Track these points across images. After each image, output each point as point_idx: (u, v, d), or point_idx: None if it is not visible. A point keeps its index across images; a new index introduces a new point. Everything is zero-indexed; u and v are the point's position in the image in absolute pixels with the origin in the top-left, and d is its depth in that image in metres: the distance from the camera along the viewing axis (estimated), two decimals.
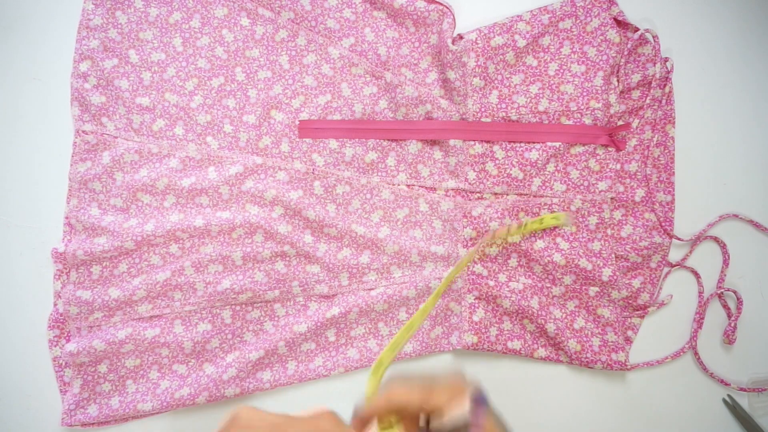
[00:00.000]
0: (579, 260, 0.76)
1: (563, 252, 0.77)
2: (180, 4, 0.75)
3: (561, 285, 0.77)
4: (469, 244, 0.77)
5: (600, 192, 0.77)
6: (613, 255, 0.77)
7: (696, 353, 0.78)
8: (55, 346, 0.72)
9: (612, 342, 0.76)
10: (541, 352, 0.77)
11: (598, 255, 0.76)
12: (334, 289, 0.75)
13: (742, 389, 0.77)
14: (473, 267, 0.77)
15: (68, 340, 0.71)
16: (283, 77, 0.77)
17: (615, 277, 0.76)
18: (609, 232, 0.77)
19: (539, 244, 0.77)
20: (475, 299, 0.76)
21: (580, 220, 0.77)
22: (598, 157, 0.78)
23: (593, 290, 0.77)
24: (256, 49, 0.76)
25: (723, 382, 0.77)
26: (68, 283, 0.71)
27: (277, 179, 0.75)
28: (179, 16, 0.75)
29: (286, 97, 0.76)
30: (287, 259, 0.75)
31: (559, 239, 0.77)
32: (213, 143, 0.75)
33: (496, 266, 0.77)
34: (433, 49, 0.77)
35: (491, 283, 0.76)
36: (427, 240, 0.77)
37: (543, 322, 0.76)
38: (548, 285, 0.77)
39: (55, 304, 0.72)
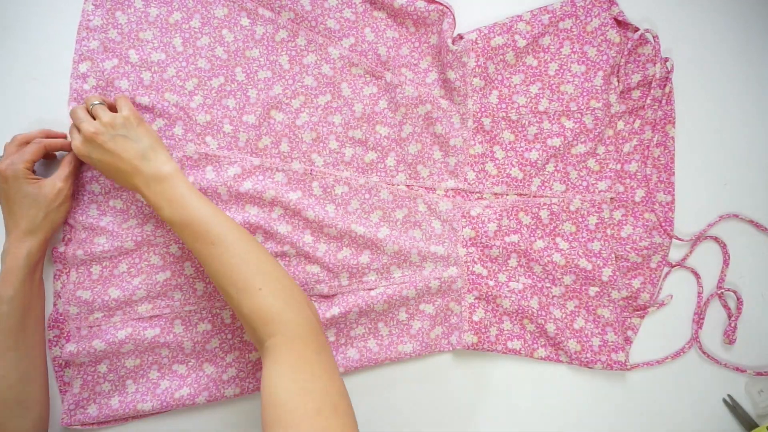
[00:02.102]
0: (579, 260, 0.76)
1: (563, 252, 0.77)
2: (180, 4, 0.75)
3: (561, 285, 0.77)
4: (468, 244, 0.77)
5: (600, 192, 0.77)
6: (613, 255, 0.77)
7: (701, 349, 0.78)
8: (55, 346, 0.71)
9: (612, 342, 0.76)
10: (541, 352, 0.77)
11: (598, 255, 0.76)
12: (334, 289, 0.75)
13: (759, 374, 0.77)
14: (473, 267, 0.77)
15: (68, 340, 0.71)
16: (283, 77, 0.76)
17: (615, 277, 0.76)
18: (609, 232, 0.77)
19: (539, 244, 0.77)
20: (475, 299, 0.76)
21: (580, 220, 0.77)
22: (598, 157, 0.78)
23: (593, 290, 0.77)
24: (256, 49, 0.76)
25: (739, 370, 0.77)
26: (68, 283, 0.71)
27: (275, 180, 0.75)
28: (179, 16, 0.75)
29: (286, 97, 0.76)
30: (287, 259, 0.75)
31: (558, 239, 0.77)
32: (212, 143, 0.75)
33: (496, 266, 0.77)
34: (433, 49, 0.77)
35: (491, 283, 0.76)
36: (426, 240, 0.77)
37: (543, 322, 0.76)
38: (548, 285, 0.77)
39: (55, 304, 0.72)
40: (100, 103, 0.68)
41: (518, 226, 0.77)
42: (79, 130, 0.66)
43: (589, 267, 0.76)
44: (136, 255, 0.72)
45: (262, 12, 0.75)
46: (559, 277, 0.77)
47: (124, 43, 0.74)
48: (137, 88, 0.74)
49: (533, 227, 0.77)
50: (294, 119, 0.76)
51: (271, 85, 0.76)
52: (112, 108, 0.70)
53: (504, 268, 0.78)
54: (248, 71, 0.76)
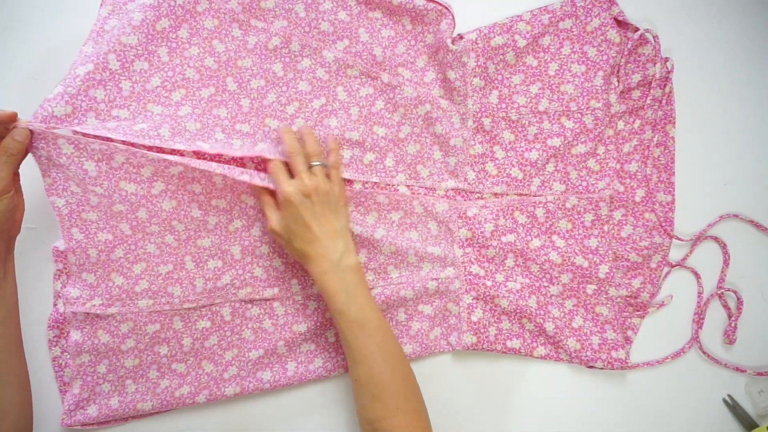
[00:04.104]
0: (575, 258, 0.76)
1: (559, 250, 0.77)
2: (168, 11, 0.70)
3: (558, 284, 0.77)
4: (464, 245, 0.77)
5: (598, 191, 0.77)
6: (610, 251, 0.77)
7: (701, 349, 0.78)
8: (55, 346, 0.71)
9: (611, 340, 0.76)
10: (541, 350, 0.77)
11: (595, 252, 0.77)
12: None
13: (759, 374, 0.77)
14: (470, 267, 0.77)
15: (67, 339, 0.71)
16: (277, 84, 0.74)
17: (612, 274, 0.76)
18: (606, 228, 0.77)
19: (535, 243, 0.77)
20: (473, 299, 0.76)
21: (576, 217, 0.77)
22: (598, 157, 0.78)
23: (591, 288, 0.77)
24: (249, 58, 0.73)
25: (739, 370, 0.77)
26: (72, 264, 0.69)
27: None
28: (167, 23, 0.70)
29: (280, 104, 0.74)
30: (285, 256, 0.75)
31: (555, 237, 0.77)
32: (204, 146, 0.69)
33: (493, 266, 0.77)
34: (429, 48, 0.77)
35: (489, 283, 0.76)
36: (423, 241, 0.77)
37: (541, 321, 0.76)
38: (546, 284, 0.77)
39: (55, 304, 0.72)
40: (323, 165, 0.70)
41: (514, 226, 0.77)
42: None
43: (586, 264, 0.76)
44: (131, 241, 0.70)
45: (255, 23, 0.74)
46: (557, 275, 0.77)
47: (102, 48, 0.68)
48: (115, 98, 0.68)
49: (529, 226, 0.78)
50: (289, 126, 0.75)
51: (265, 94, 0.74)
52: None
53: (501, 268, 0.78)
54: (240, 81, 0.73)
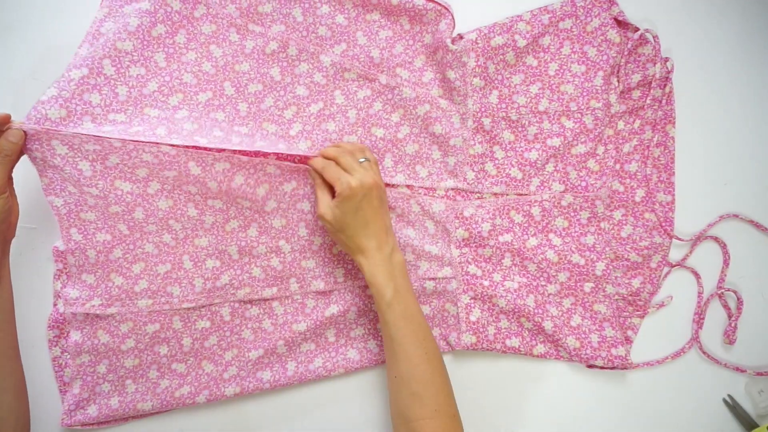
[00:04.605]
0: (572, 256, 0.76)
1: (556, 248, 0.77)
2: (165, 17, 0.70)
3: (556, 283, 0.77)
4: (461, 245, 0.77)
5: (596, 190, 0.77)
6: (607, 248, 0.77)
7: (701, 349, 0.78)
8: (55, 346, 0.71)
9: (611, 337, 0.76)
10: (540, 348, 0.77)
11: (591, 249, 0.77)
12: (330, 285, 0.75)
13: (759, 374, 0.77)
14: (467, 267, 0.77)
15: (67, 339, 0.71)
16: (275, 89, 0.74)
17: (608, 271, 0.76)
18: (602, 225, 0.77)
19: (532, 242, 0.77)
20: (470, 299, 0.76)
21: (572, 214, 0.77)
22: (597, 158, 0.78)
23: (588, 286, 0.77)
24: (246, 63, 0.73)
25: (739, 370, 0.77)
26: (71, 266, 0.69)
27: (267, 173, 0.73)
28: (163, 29, 0.70)
29: (278, 108, 0.74)
30: (282, 255, 0.74)
31: (551, 235, 0.77)
32: (202, 141, 0.69)
33: (491, 266, 0.77)
34: (427, 48, 0.77)
35: (486, 283, 0.76)
36: (420, 239, 0.77)
37: (540, 320, 0.76)
38: (543, 283, 0.77)
39: (55, 304, 0.72)
40: (368, 161, 0.70)
41: (511, 225, 0.77)
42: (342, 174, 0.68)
43: (582, 262, 0.76)
44: (129, 240, 0.70)
45: (252, 27, 0.73)
46: (554, 274, 0.77)
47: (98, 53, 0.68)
48: (111, 103, 0.68)
49: (525, 225, 0.78)
50: (287, 130, 0.75)
51: (263, 98, 0.74)
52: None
53: (498, 268, 0.78)
54: (238, 85, 0.73)
